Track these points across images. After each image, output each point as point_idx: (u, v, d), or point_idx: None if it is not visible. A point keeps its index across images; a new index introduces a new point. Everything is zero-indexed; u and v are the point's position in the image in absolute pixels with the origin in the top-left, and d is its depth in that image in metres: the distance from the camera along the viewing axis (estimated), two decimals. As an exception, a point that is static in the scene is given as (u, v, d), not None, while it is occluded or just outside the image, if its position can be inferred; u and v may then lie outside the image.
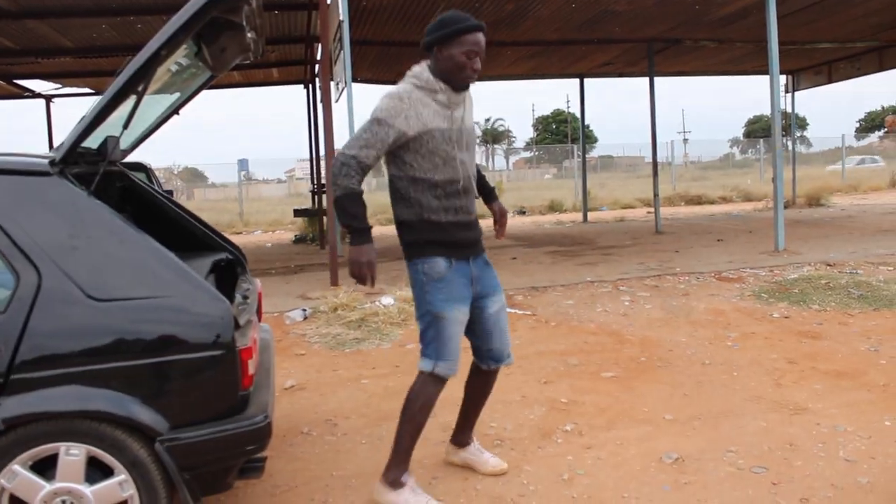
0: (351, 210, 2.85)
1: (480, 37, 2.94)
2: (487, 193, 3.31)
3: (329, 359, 5.54)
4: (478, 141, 3.62)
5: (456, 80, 2.95)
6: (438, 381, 3.02)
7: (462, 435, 3.45)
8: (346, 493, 3.27)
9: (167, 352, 2.52)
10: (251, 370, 2.67)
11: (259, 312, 3.53)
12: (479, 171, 3.27)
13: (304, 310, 6.95)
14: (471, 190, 3.06)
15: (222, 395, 2.58)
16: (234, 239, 14.53)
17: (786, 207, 15.56)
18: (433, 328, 2.96)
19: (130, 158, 4.82)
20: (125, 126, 2.87)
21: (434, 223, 2.95)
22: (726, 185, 25.01)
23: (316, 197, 13.81)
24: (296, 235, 15.67)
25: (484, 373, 3.29)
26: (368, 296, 7.45)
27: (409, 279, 3.08)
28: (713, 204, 21.79)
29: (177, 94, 3.56)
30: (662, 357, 5.19)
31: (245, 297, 3.16)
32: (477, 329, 3.14)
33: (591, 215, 18.06)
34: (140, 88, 2.66)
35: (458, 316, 2.98)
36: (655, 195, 14.02)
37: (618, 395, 4.43)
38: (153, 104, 3.36)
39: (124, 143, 3.33)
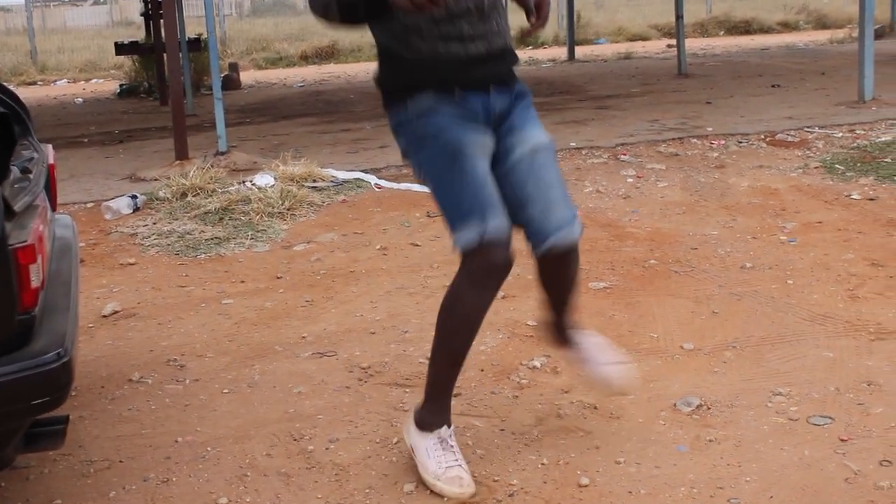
0: None
1: None
2: None
3: (173, 269, 5.55)
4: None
5: None
6: (481, 264, 2.92)
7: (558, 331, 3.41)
8: (199, 467, 3.29)
9: None
10: (35, 281, 2.63)
11: (52, 196, 3.50)
12: None
13: (135, 197, 6.89)
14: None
15: (-12, 319, 2.53)
16: (23, 94, 14.14)
17: (880, 36, 15.53)
18: (436, 179, 2.98)
19: None
20: None
21: (418, 61, 2.95)
22: (790, 4, 25.20)
23: (152, 24, 13.52)
24: (122, 85, 15.61)
25: (541, 262, 3.19)
26: (234, 174, 7.38)
27: (400, 147, 3.09)
28: (769, 33, 22.03)
29: None
30: (682, 259, 5.29)
31: (25, 171, 3.11)
32: (506, 189, 3.04)
33: (580, 50, 18.09)
34: None
35: (467, 146, 2.94)
36: (678, 18, 14.01)
37: (612, 315, 4.52)
38: None
39: None
